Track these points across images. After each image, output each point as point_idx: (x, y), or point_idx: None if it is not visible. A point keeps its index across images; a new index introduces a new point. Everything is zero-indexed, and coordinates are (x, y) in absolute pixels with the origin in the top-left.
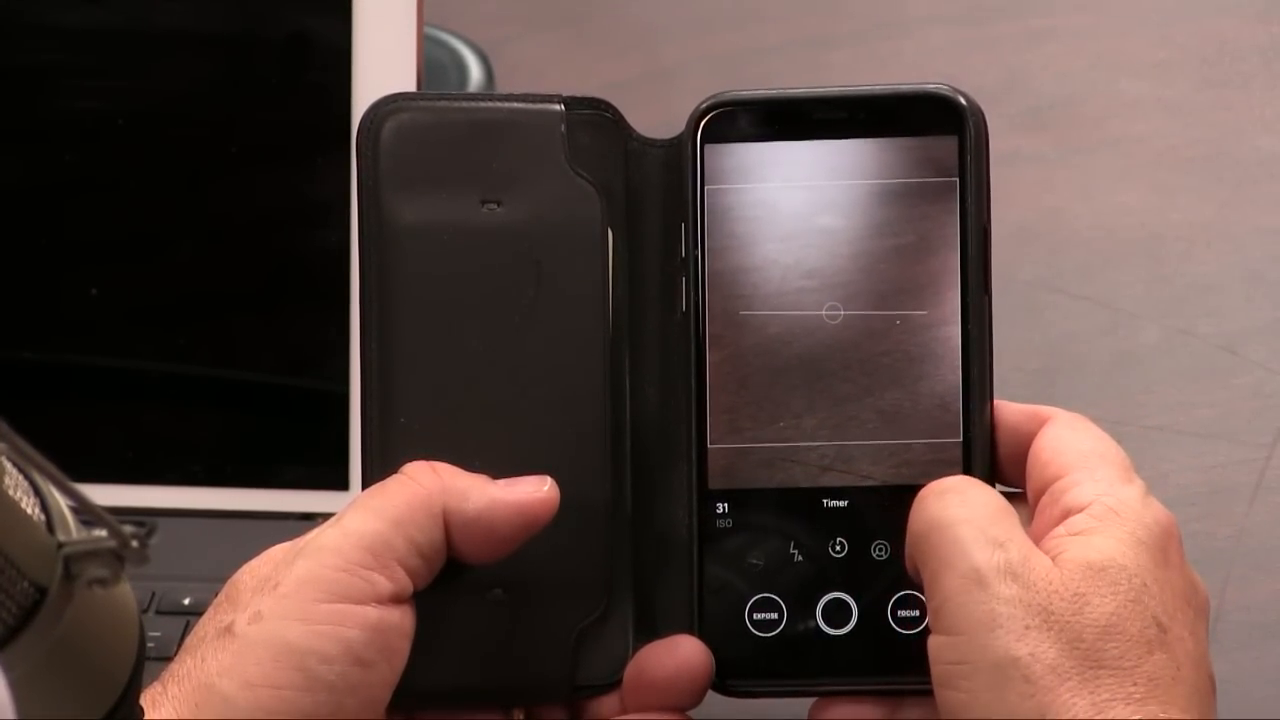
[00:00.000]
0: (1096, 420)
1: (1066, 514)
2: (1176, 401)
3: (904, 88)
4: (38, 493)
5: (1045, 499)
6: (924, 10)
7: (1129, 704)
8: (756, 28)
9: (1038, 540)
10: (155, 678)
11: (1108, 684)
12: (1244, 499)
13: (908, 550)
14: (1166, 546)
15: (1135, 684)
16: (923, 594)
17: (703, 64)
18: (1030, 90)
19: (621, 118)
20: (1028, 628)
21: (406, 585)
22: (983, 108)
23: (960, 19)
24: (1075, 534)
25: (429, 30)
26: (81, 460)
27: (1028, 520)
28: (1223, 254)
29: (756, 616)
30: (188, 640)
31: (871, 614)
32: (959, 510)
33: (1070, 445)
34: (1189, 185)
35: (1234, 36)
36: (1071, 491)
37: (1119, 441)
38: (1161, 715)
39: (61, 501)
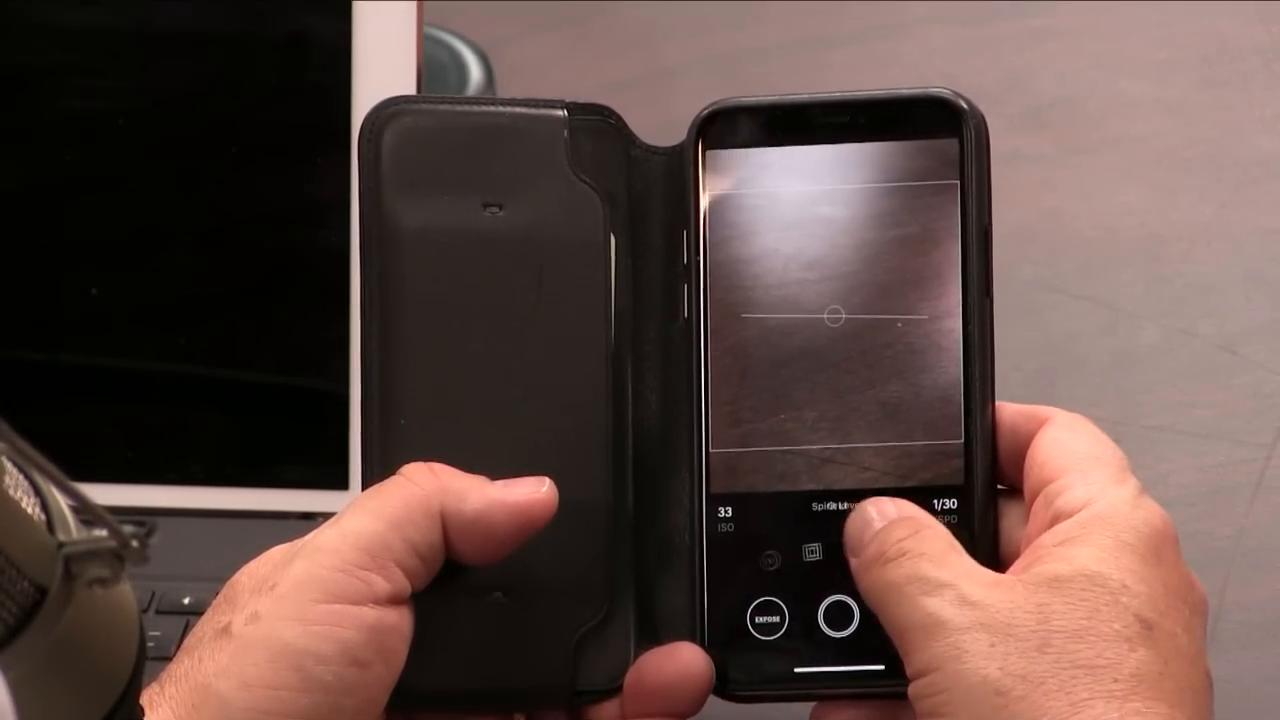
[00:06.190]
0: (1096, 420)
1: (1056, 519)
2: (1176, 401)
3: (905, 92)
4: (38, 493)
5: (1039, 502)
6: (924, 10)
7: (1109, 700)
8: (756, 28)
9: (1029, 544)
10: (154, 678)
11: (1085, 683)
12: (1244, 499)
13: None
14: (1159, 546)
15: (1116, 680)
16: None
17: (703, 64)
18: (1030, 90)
19: (624, 124)
20: (992, 645)
21: (404, 586)
22: (983, 108)
23: (960, 19)
24: (1058, 544)
25: (429, 30)
26: (81, 460)
27: (1023, 520)
28: (1223, 254)
29: (758, 620)
30: (186, 641)
31: (873, 616)
32: (896, 569)
33: (1066, 447)
34: (1189, 185)
35: (1234, 36)
36: (1064, 495)
37: (1119, 441)
38: (1145, 710)
39: (61, 501)
